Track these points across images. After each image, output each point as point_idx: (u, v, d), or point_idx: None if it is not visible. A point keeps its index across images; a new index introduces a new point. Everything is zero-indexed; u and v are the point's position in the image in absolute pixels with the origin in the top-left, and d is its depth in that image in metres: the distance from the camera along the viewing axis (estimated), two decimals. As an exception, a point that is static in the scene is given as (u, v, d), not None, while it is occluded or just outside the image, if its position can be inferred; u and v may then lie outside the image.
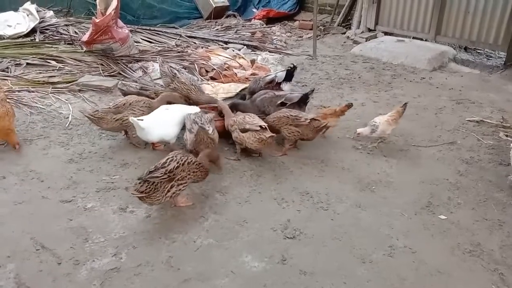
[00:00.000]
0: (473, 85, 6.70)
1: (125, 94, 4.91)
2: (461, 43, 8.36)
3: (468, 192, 3.99)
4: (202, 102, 4.99)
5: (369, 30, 9.35)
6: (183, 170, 3.42)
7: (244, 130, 4.20)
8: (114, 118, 4.36)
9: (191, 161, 3.51)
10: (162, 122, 4.28)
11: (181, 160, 3.43)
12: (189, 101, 4.99)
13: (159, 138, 4.30)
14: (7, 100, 4.50)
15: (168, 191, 3.36)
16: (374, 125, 4.51)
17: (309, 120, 4.31)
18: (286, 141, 4.51)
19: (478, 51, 8.71)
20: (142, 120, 4.18)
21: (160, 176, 3.28)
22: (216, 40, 8.38)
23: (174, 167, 3.36)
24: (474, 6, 7.73)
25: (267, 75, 5.51)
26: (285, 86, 5.28)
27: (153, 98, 4.78)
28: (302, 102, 4.79)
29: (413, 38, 8.66)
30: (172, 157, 3.45)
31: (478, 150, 4.72)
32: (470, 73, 7.37)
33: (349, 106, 4.80)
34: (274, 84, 5.26)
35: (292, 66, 5.45)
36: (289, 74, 5.33)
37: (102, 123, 4.37)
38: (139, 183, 3.26)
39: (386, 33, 9.10)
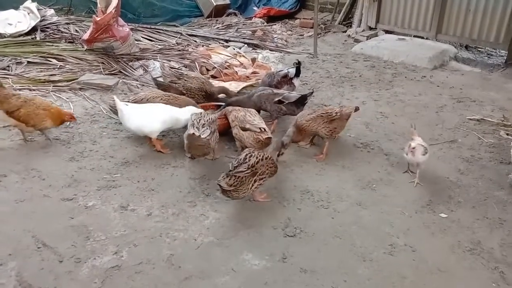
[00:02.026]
0: (474, 84, 6.70)
1: (158, 85, 5.23)
2: (462, 41, 8.36)
3: (468, 190, 3.99)
4: (217, 92, 5.21)
5: (370, 28, 9.34)
6: (262, 165, 3.56)
7: (244, 129, 4.20)
8: None
9: (267, 156, 3.64)
10: (144, 114, 4.27)
11: (259, 156, 3.56)
12: (203, 93, 5.13)
13: (136, 128, 4.29)
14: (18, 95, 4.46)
15: (252, 185, 3.50)
16: (426, 147, 4.03)
17: (339, 112, 4.39)
18: (326, 140, 4.46)
19: (479, 49, 8.70)
20: (126, 105, 4.30)
21: (245, 171, 3.41)
22: (216, 38, 8.38)
23: (255, 162, 3.49)
24: (475, 4, 7.72)
25: (280, 70, 5.61)
26: (296, 82, 5.51)
27: (182, 92, 4.98)
28: (300, 102, 4.80)
29: (414, 36, 8.65)
30: (250, 153, 3.56)
31: (478, 149, 4.72)
32: (471, 71, 7.36)
33: (356, 109, 4.74)
34: (288, 79, 5.45)
35: (297, 61, 5.54)
36: (298, 70, 5.48)
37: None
38: (227, 177, 3.36)
39: (387, 32, 9.09)
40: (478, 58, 8.32)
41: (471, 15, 7.82)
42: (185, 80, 5.17)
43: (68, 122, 4.69)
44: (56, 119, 4.41)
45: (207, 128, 4.05)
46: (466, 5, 7.83)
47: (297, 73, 5.49)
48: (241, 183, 3.41)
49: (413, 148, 3.98)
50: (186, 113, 4.44)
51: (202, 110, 4.54)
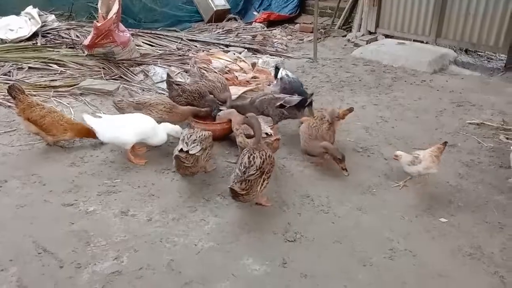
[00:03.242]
0: (473, 88, 6.71)
1: (169, 84, 5.25)
2: (461, 45, 8.38)
3: (468, 195, 3.99)
4: (221, 99, 5.26)
5: (370, 33, 9.36)
6: (267, 164, 3.54)
7: (249, 136, 4.13)
8: (132, 112, 4.58)
9: (269, 155, 3.62)
10: (116, 126, 4.22)
11: (263, 155, 3.55)
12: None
13: (109, 140, 4.29)
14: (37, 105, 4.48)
15: (262, 185, 3.52)
16: (417, 157, 3.93)
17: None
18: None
19: (478, 53, 8.72)
20: (100, 117, 4.35)
21: (255, 173, 3.41)
22: (217, 43, 8.41)
23: (261, 162, 3.48)
24: (474, 8, 7.74)
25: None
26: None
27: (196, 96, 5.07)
28: (301, 105, 4.81)
29: (414, 40, 8.67)
30: (251, 154, 3.53)
31: (478, 153, 4.73)
32: (470, 75, 7.38)
33: (351, 110, 4.84)
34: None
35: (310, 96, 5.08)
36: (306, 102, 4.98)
37: (122, 113, 4.67)
38: (239, 182, 3.37)
39: (386, 36, 9.12)
40: (478, 62, 8.34)
41: (470, 19, 7.84)
42: (204, 81, 5.31)
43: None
44: (80, 134, 4.50)
45: (197, 144, 3.85)
46: (465, 9, 7.86)
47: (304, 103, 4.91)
48: (251, 186, 3.42)
49: (396, 156, 4.09)
50: (163, 130, 4.37)
51: (178, 128, 4.43)
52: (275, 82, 5.51)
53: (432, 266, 3.14)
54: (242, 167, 3.45)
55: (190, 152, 3.76)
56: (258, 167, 3.45)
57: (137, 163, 4.32)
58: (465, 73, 7.50)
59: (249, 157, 3.50)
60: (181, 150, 3.77)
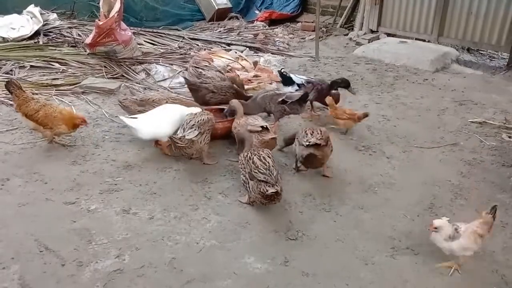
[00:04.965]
0: (475, 86, 6.70)
1: (189, 83, 5.26)
2: (464, 44, 8.36)
3: (470, 193, 3.99)
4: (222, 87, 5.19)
5: (372, 31, 9.34)
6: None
7: (232, 114, 4.23)
8: (136, 110, 4.66)
9: (264, 151, 3.76)
10: (152, 121, 4.29)
11: (270, 153, 3.73)
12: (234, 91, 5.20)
13: (151, 136, 4.32)
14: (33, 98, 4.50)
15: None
16: (457, 230, 3.04)
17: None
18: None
19: (481, 52, 8.70)
20: (136, 118, 4.33)
21: (278, 172, 3.60)
22: (218, 42, 8.40)
23: (272, 161, 3.63)
24: (476, 7, 7.72)
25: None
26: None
27: (213, 92, 5.07)
28: (302, 101, 4.82)
29: (416, 39, 8.66)
30: (258, 156, 3.64)
31: (480, 152, 4.72)
32: (473, 74, 7.36)
33: (366, 115, 4.95)
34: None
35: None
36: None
37: (127, 111, 4.74)
38: (272, 186, 3.45)
39: (388, 35, 9.10)
40: (480, 60, 8.32)
41: (472, 17, 7.83)
42: (204, 79, 5.26)
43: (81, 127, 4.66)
44: (68, 122, 4.44)
45: (195, 129, 4.08)
46: (467, 8, 7.84)
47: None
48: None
49: (435, 227, 3.10)
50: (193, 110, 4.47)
51: (195, 109, 4.53)
52: (289, 88, 5.40)
53: (434, 264, 3.13)
54: (268, 174, 3.50)
55: (186, 137, 3.98)
56: (274, 166, 3.62)
57: (169, 153, 4.41)
58: (467, 71, 7.48)
59: (261, 160, 3.60)
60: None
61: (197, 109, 4.55)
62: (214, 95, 5.10)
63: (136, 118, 4.32)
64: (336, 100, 5.22)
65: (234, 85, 5.21)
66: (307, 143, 3.88)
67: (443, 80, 6.95)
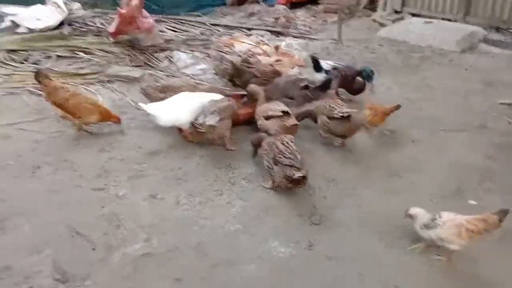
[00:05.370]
0: (504, 67, 6.49)
1: (235, 69, 5.25)
2: (492, 23, 8.06)
3: (498, 176, 3.91)
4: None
5: (396, 12, 9.11)
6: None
7: (268, 118, 4.20)
8: (158, 97, 4.68)
9: (287, 136, 3.81)
10: (172, 108, 4.33)
11: (292, 138, 3.77)
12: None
13: (171, 123, 4.36)
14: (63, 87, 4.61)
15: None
16: (435, 220, 2.96)
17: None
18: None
19: (510, 30, 8.39)
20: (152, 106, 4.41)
21: (301, 155, 3.60)
22: (239, 27, 8.37)
23: (294, 146, 3.66)
24: (506, -17, 7.45)
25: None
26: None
27: (255, 76, 5.11)
28: (325, 87, 4.79)
29: (442, 19, 8.41)
30: (282, 142, 3.67)
31: (509, 134, 4.60)
32: (501, 53, 7.13)
33: (398, 107, 4.59)
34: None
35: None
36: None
37: (149, 98, 4.79)
38: (298, 170, 3.47)
39: (413, 15, 8.86)
40: (509, 40, 8.01)
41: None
42: (225, 63, 5.35)
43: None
44: (103, 117, 4.56)
45: (216, 115, 4.12)
46: (496, -15, 7.57)
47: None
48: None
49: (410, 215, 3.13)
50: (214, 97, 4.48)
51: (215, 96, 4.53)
52: (319, 75, 5.33)
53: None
54: (292, 158, 3.53)
55: (207, 123, 4.04)
56: (297, 151, 3.62)
57: (193, 140, 4.41)
58: (495, 51, 7.24)
59: (283, 146, 3.63)
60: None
61: (217, 95, 4.57)
62: (258, 80, 5.12)
63: (156, 105, 4.39)
64: (358, 89, 5.13)
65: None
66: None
67: (470, 61, 6.76)
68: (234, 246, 3.17)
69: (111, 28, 6.83)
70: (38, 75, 4.54)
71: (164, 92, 4.76)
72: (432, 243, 3.01)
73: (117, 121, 4.63)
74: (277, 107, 4.25)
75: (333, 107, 4.19)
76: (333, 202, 3.63)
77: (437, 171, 4.01)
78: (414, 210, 3.08)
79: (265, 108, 4.32)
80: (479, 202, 3.57)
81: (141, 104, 4.41)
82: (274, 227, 3.35)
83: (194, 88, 4.81)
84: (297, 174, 3.44)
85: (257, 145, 3.99)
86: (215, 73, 5.91)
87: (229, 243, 3.21)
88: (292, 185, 3.54)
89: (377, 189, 3.78)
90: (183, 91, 4.70)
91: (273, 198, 3.67)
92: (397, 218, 3.41)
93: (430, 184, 3.84)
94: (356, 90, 5.24)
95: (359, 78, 5.20)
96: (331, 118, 4.17)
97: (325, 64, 5.37)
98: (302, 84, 4.77)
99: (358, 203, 3.61)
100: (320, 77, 5.21)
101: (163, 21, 8.14)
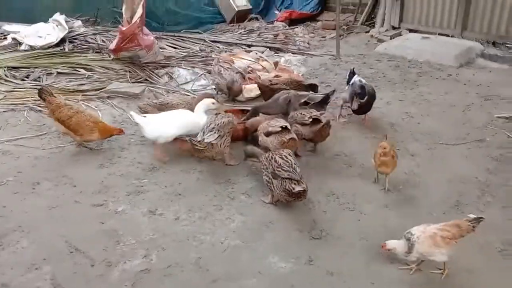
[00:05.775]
0: (502, 81, 6.54)
1: (261, 85, 5.51)
2: (489, 38, 8.14)
3: (498, 190, 3.91)
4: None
5: (393, 28, 9.23)
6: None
7: (268, 134, 4.22)
8: (156, 114, 4.69)
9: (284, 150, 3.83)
10: (159, 122, 4.38)
11: (290, 153, 3.78)
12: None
13: (155, 136, 4.38)
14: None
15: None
16: (410, 240, 2.92)
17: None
18: None
19: (507, 45, 8.46)
20: (145, 117, 4.45)
21: (300, 170, 3.63)
22: (239, 43, 8.45)
23: (293, 159, 3.68)
24: (502, -1, 7.54)
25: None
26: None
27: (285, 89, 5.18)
28: (324, 102, 4.82)
29: (439, 34, 8.50)
30: (280, 156, 3.68)
31: (508, 147, 4.61)
32: (498, 68, 7.20)
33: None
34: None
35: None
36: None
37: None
38: (299, 183, 3.50)
39: (411, 30, 8.96)
40: (506, 54, 8.06)
41: (497, 10, 7.64)
42: (219, 79, 5.62)
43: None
44: (103, 133, 4.58)
45: (214, 132, 4.13)
46: (492, 0, 7.66)
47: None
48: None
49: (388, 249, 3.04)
50: (202, 113, 4.50)
51: (209, 101, 4.59)
52: (346, 88, 5.35)
53: (461, 262, 3.09)
54: (292, 171, 3.54)
55: (205, 140, 4.05)
56: (296, 164, 3.65)
57: (160, 160, 4.43)
58: (493, 66, 7.31)
59: (284, 160, 3.63)
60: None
61: (209, 100, 4.61)
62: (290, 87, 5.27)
63: (145, 116, 4.46)
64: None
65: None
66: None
67: (467, 75, 6.81)
68: (234, 261, 3.16)
69: (112, 45, 6.90)
70: (42, 92, 4.58)
71: (162, 109, 4.80)
72: (424, 259, 2.98)
73: (120, 132, 4.67)
74: (277, 123, 4.27)
75: (304, 114, 4.38)
76: (333, 216, 3.62)
77: (436, 184, 4.01)
78: (390, 245, 3.02)
79: (265, 124, 4.33)
80: (478, 216, 3.55)
81: (132, 113, 4.46)
82: (274, 242, 3.34)
83: (191, 105, 4.82)
84: (297, 188, 3.44)
85: (250, 155, 4.14)
86: (215, 89, 5.98)
87: (229, 258, 3.19)
88: (292, 199, 3.54)
89: (376, 203, 3.78)
90: (180, 108, 4.73)
91: (273, 213, 3.66)
92: (397, 232, 3.40)
93: (430, 198, 3.84)
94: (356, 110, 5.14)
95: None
96: (302, 124, 4.35)
97: (358, 79, 5.21)
98: (302, 100, 4.79)
99: (358, 218, 3.60)
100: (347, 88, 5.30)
101: (163, 38, 8.24)
